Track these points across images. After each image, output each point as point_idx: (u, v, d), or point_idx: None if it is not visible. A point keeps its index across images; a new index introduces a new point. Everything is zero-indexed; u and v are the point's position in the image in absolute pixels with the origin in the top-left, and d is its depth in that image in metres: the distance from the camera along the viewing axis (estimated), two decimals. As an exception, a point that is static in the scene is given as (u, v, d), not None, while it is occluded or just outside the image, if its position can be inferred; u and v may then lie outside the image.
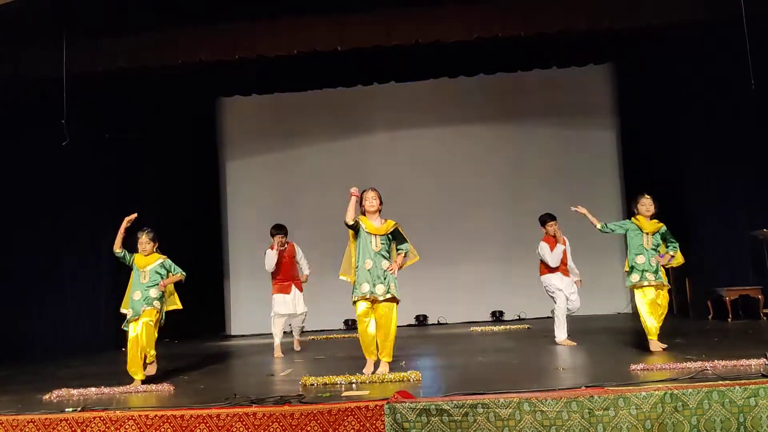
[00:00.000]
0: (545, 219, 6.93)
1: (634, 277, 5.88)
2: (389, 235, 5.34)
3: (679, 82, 9.14)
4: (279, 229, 7.34)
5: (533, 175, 10.78)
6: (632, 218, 6.05)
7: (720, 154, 8.81)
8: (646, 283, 5.80)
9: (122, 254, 5.69)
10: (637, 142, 10.34)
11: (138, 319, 5.52)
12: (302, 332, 7.83)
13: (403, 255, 5.36)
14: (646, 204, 5.95)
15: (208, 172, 11.22)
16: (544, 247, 6.83)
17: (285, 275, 7.35)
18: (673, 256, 5.90)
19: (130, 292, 5.67)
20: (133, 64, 7.57)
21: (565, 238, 6.91)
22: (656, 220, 5.98)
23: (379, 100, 10.96)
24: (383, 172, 10.63)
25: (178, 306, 5.92)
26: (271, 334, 7.43)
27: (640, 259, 5.86)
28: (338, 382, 4.82)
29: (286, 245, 7.34)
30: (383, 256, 5.29)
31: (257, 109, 11.23)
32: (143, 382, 5.43)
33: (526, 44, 8.33)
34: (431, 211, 10.76)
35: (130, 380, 5.39)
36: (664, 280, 5.89)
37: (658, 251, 5.89)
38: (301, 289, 7.40)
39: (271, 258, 7.24)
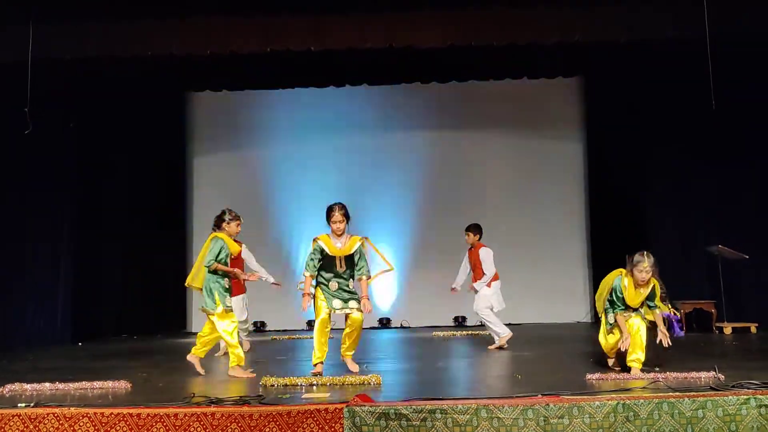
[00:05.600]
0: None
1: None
2: (354, 254, 5.34)
3: (644, 99, 9.38)
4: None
5: (499, 184, 10.89)
6: (621, 280, 5.02)
7: (681, 169, 9.08)
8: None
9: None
10: (602, 156, 10.55)
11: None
12: (249, 333, 7.60)
13: (365, 280, 5.35)
14: (645, 268, 4.80)
15: (174, 167, 11.05)
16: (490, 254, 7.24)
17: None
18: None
19: None
20: (102, 53, 7.45)
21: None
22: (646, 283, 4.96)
23: (350, 102, 10.95)
24: (349, 175, 10.65)
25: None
26: None
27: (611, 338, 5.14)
28: (299, 384, 4.82)
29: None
30: (347, 277, 5.35)
31: (227, 105, 11.09)
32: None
33: (499, 54, 8.47)
34: (395, 217, 10.79)
35: (86, 376, 5.30)
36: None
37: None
38: (233, 293, 6.39)
39: None
